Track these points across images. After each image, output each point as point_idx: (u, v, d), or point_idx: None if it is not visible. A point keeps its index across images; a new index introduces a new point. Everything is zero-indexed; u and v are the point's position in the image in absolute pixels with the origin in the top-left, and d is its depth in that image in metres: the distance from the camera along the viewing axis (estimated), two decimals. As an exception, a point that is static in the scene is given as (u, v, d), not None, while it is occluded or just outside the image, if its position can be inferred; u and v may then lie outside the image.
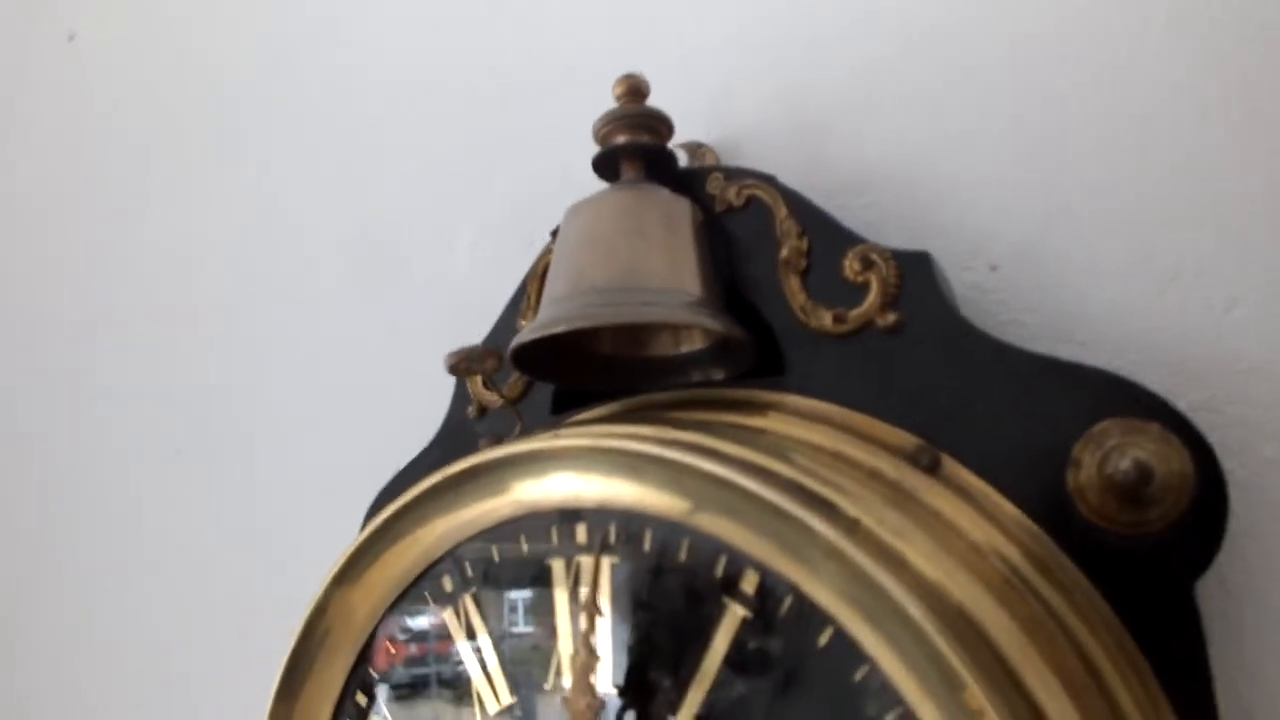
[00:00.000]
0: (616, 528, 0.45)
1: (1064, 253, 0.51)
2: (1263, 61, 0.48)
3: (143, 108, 1.07)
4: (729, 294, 0.52)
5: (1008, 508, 0.44)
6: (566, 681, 0.46)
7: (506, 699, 0.49)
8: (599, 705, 0.43)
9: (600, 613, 0.44)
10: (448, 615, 0.51)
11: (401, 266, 0.81)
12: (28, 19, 1.21)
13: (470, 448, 0.51)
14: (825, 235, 0.50)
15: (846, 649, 0.37)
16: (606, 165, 0.55)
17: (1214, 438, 0.40)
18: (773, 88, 0.62)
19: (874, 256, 0.48)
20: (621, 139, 0.53)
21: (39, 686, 1.05)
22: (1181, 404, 0.42)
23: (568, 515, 0.46)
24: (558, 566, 0.47)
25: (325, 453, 0.83)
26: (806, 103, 0.61)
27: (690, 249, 0.50)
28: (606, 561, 0.45)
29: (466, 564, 0.50)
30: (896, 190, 0.57)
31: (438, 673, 0.52)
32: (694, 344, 0.55)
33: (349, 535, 0.53)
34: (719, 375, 0.53)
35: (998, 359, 0.45)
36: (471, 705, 0.50)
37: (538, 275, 0.60)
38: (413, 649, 0.53)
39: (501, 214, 0.76)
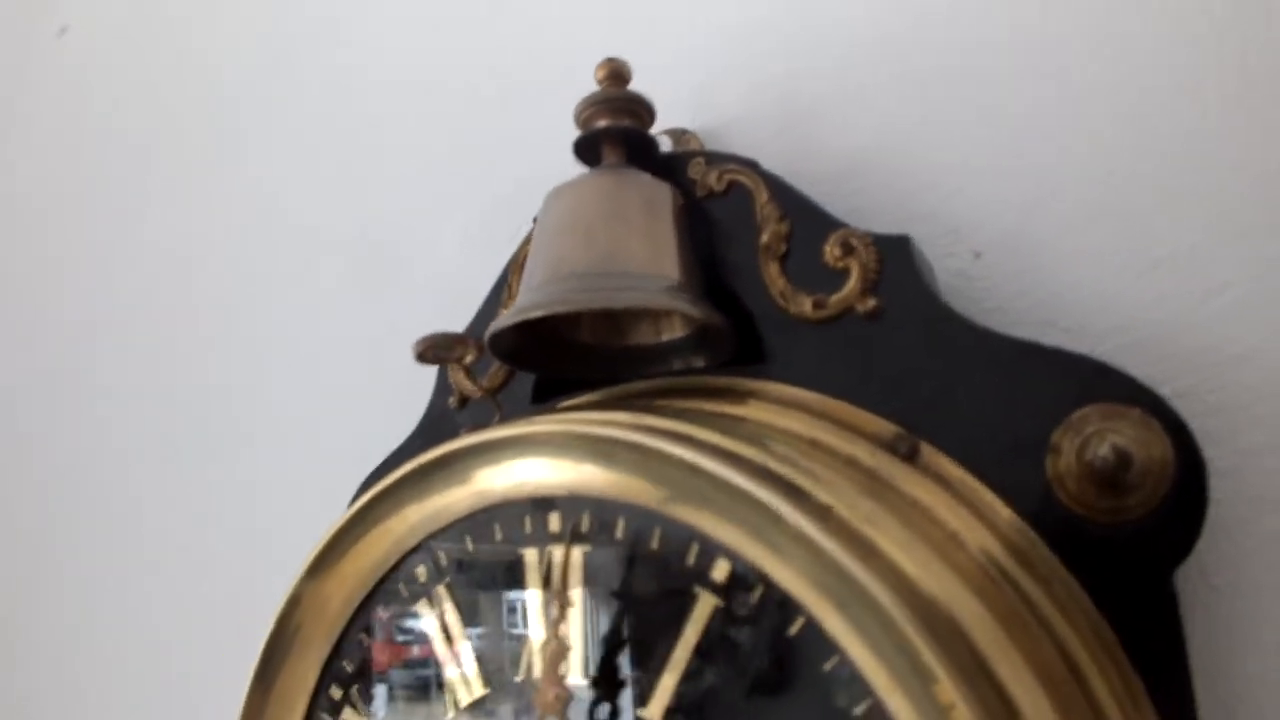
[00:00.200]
0: (590, 516, 0.44)
1: (1048, 240, 0.51)
2: (1247, 46, 0.47)
3: (142, 107, 1.08)
4: (710, 280, 0.51)
5: (987, 496, 0.43)
6: (538, 672, 0.45)
7: (480, 691, 0.48)
8: (567, 696, 0.43)
9: (571, 602, 0.44)
10: (421, 606, 0.50)
11: (401, 266, 0.81)
12: (28, 19, 1.23)
13: (451, 437, 0.51)
14: (806, 220, 0.50)
15: (817, 638, 0.36)
16: (588, 149, 0.55)
17: (1196, 425, 0.39)
18: (759, 76, 0.62)
19: (854, 241, 0.48)
20: (603, 123, 0.53)
21: (39, 686, 1.05)
22: (1164, 390, 0.41)
23: (540, 504, 0.45)
24: (530, 556, 0.46)
25: (325, 453, 0.82)
26: (793, 90, 0.60)
27: (671, 234, 0.50)
28: (578, 550, 0.44)
29: (440, 554, 0.49)
30: (882, 177, 0.56)
31: (413, 666, 0.51)
32: (674, 332, 0.54)
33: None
34: (700, 363, 0.52)
35: (979, 345, 0.44)
36: (445, 698, 0.50)
37: (519, 264, 0.59)
38: (391, 643, 0.52)
39: (501, 214, 0.75)
